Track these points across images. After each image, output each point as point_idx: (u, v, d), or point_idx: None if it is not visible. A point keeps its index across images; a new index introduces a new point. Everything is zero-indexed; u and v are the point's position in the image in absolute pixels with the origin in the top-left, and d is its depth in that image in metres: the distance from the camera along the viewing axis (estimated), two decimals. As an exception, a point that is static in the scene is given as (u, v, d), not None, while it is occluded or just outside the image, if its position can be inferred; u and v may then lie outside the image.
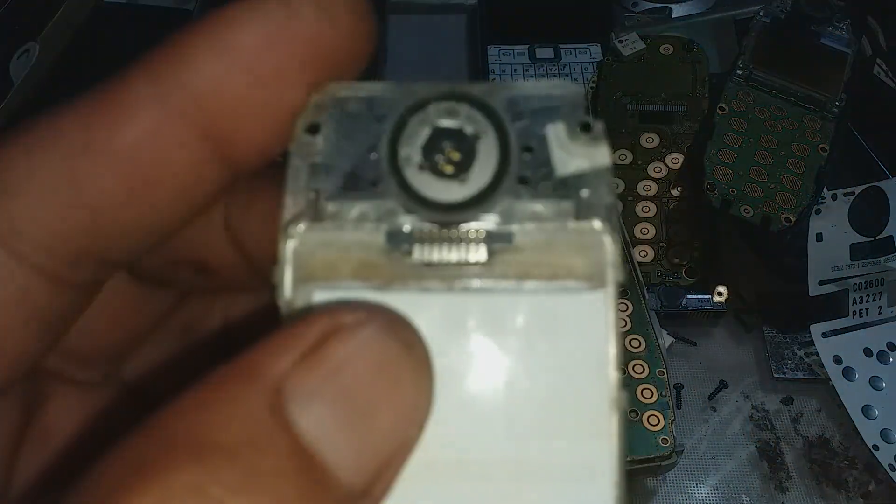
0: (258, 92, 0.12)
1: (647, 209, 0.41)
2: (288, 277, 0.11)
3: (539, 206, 0.11)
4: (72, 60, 0.47)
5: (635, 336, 0.35)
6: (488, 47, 0.49)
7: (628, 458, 0.32)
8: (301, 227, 0.11)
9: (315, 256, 0.11)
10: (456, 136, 0.11)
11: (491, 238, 0.11)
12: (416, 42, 0.52)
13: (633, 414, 0.33)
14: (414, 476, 0.11)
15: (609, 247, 0.11)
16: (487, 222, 0.11)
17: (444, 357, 0.11)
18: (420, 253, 0.11)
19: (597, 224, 0.11)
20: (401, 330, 0.11)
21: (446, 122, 0.11)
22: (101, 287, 0.13)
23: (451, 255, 0.11)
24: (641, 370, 0.34)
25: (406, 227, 0.11)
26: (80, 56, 0.48)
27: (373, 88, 0.12)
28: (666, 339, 0.35)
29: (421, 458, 0.11)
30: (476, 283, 0.11)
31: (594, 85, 0.45)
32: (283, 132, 0.12)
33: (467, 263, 0.11)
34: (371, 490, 0.10)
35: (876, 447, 0.35)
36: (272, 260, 0.12)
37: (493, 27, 0.50)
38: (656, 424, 0.33)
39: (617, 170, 0.42)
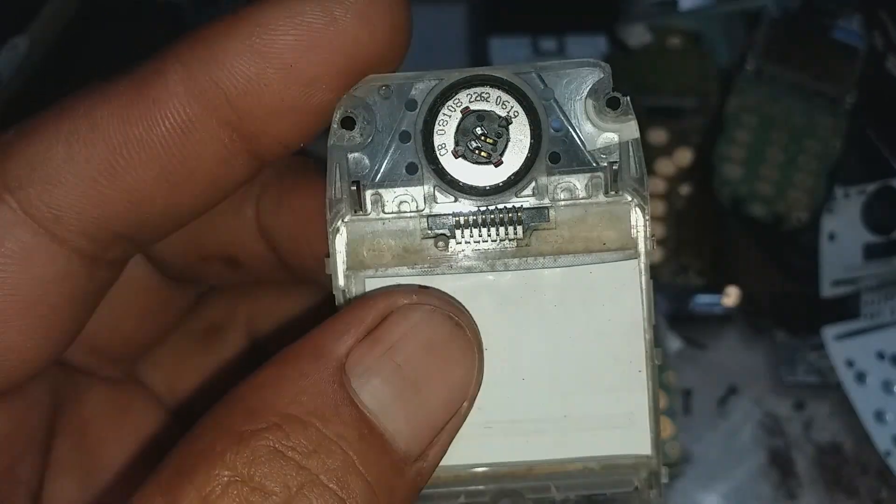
0: (292, 93, 0.12)
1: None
2: (341, 268, 0.12)
3: (571, 181, 0.12)
4: (61, 54, 0.46)
5: None
6: (490, 38, 0.48)
7: None
8: (346, 219, 0.12)
9: (363, 245, 0.12)
10: (488, 119, 0.12)
11: (527, 217, 0.12)
12: (415, 33, 0.51)
13: None
14: (471, 436, 0.12)
15: (640, 218, 0.12)
16: (523, 201, 0.12)
17: (492, 330, 0.12)
18: (461, 236, 0.12)
19: (627, 196, 0.12)
20: (451, 310, 0.11)
21: (477, 106, 0.12)
22: (126, 264, 0.14)
23: (490, 236, 0.12)
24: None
25: (445, 212, 0.12)
26: (69, 50, 0.47)
27: (402, 77, 0.12)
28: (674, 343, 0.34)
29: (477, 420, 0.12)
30: (515, 261, 0.12)
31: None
32: (311, 128, 0.13)
33: (507, 240, 0.11)
34: (426, 454, 0.11)
35: (888, 453, 0.35)
36: (311, 251, 0.13)
37: (494, 17, 0.49)
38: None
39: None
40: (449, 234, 0.12)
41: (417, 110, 0.12)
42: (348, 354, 0.12)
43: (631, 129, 0.12)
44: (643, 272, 0.12)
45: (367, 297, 0.12)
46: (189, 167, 0.12)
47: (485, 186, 0.12)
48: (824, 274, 0.37)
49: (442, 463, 0.12)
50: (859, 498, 0.35)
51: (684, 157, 0.41)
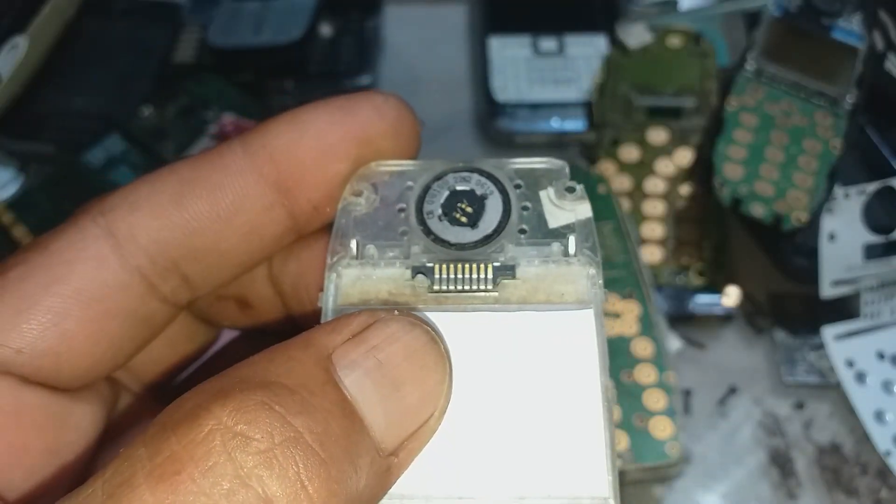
0: (320, 158, 0.15)
1: (654, 207, 0.40)
2: (330, 301, 0.14)
3: (535, 250, 0.14)
4: (61, 54, 0.46)
5: (643, 339, 0.34)
6: (490, 38, 0.47)
7: (635, 466, 0.31)
8: (343, 263, 0.14)
9: (353, 287, 0.14)
10: (469, 195, 0.15)
11: (497, 271, 0.14)
12: (414, 33, 0.51)
13: (639, 420, 0.32)
14: (427, 466, 0.13)
15: (592, 278, 0.14)
16: (495, 259, 0.14)
17: (459, 365, 0.13)
18: (439, 284, 0.14)
19: (581, 260, 0.14)
20: (427, 326, 0.13)
21: (461, 186, 0.15)
22: (177, 314, 0.16)
23: (465, 284, 0.14)
24: (649, 375, 0.33)
25: (428, 263, 0.14)
26: (69, 50, 0.47)
27: (403, 164, 0.15)
28: (674, 343, 0.34)
29: (434, 450, 0.13)
30: (485, 307, 0.13)
31: (600, 79, 0.44)
32: (333, 194, 0.15)
33: (478, 290, 0.14)
34: (397, 453, 0.12)
35: (888, 453, 0.35)
36: (310, 298, 0.15)
37: (494, 17, 0.49)
38: (665, 431, 0.32)
39: (624, 167, 0.41)
40: (430, 281, 0.14)
41: (412, 188, 0.15)
42: (336, 348, 0.13)
43: (585, 210, 0.14)
44: (596, 319, 0.13)
45: (353, 311, 0.13)
46: (236, 206, 0.15)
47: (463, 243, 0.14)
48: (824, 274, 0.37)
49: (396, 490, 0.13)
50: (859, 497, 0.35)
51: (684, 156, 0.41)
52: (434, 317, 0.13)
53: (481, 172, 0.15)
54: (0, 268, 0.15)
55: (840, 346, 0.37)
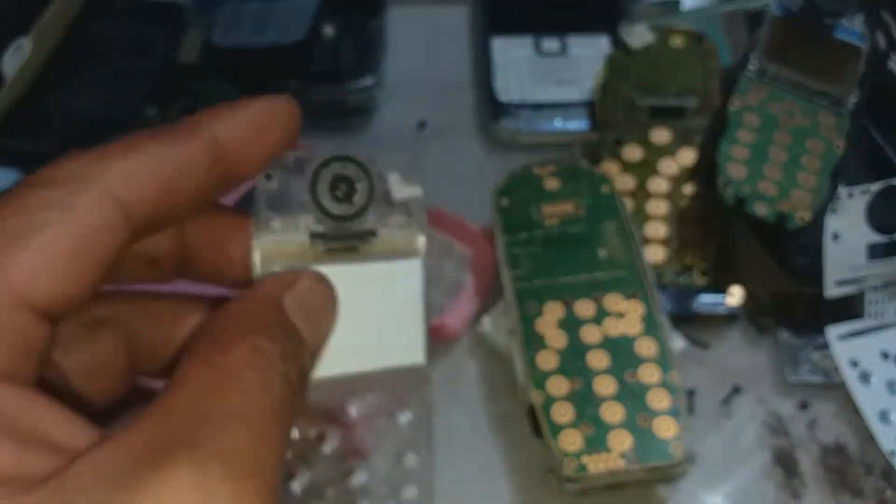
0: (252, 137, 0.20)
1: (658, 207, 0.40)
2: (258, 261, 0.20)
3: (390, 217, 0.20)
4: (64, 55, 0.46)
5: (646, 339, 0.34)
6: (492, 39, 0.47)
7: (639, 466, 0.31)
8: (261, 233, 0.20)
9: (270, 250, 0.20)
10: (346, 179, 0.20)
11: (365, 234, 0.20)
12: (417, 34, 0.51)
13: (643, 420, 0.32)
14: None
15: (420, 237, 0.20)
16: (363, 226, 0.20)
17: (340, 297, 0.20)
18: (325, 245, 0.20)
19: (414, 226, 0.20)
20: (326, 279, 0.20)
21: (340, 172, 0.20)
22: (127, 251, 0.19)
23: (343, 244, 0.20)
24: (652, 375, 0.33)
25: (320, 230, 0.20)
26: (73, 51, 0.47)
27: (300, 153, 0.20)
28: (678, 343, 0.34)
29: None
30: (355, 259, 0.20)
31: (602, 79, 0.44)
32: (259, 165, 0.20)
33: (353, 249, 0.20)
34: (315, 355, 0.19)
35: (893, 453, 0.35)
36: (226, 257, 0.21)
37: (497, 18, 0.49)
38: (668, 430, 0.31)
39: (627, 167, 0.41)
40: (321, 243, 0.20)
41: (307, 171, 0.20)
42: (282, 295, 0.19)
43: (416, 190, 0.20)
44: (422, 263, 0.20)
45: (280, 271, 0.20)
46: (185, 176, 0.19)
47: (342, 215, 0.20)
48: (828, 274, 0.37)
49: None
50: (864, 498, 0.35)
51: (688, 156, 0.41)
52: (326, 269, 0.20)
53: (354, 161, 0.20)
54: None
55: (844, 345, 0.36)
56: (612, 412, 0.31)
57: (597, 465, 0.30)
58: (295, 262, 0.20)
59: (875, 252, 0.37)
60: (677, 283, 0.38)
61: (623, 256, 0.35)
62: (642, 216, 0.40)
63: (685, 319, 0.38)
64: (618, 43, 0.45)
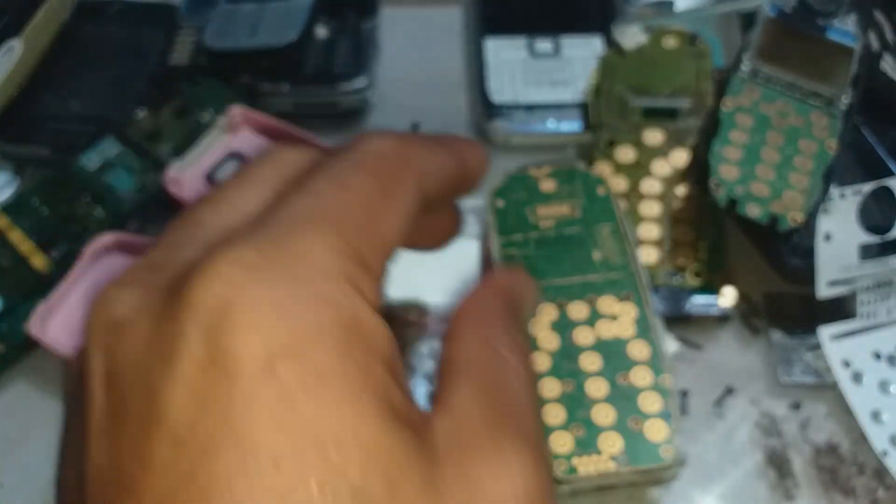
0: (458, 173, 0.24)
1: (651, 209, 0.40)
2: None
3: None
4: (55, 57, 0.46)
5: (639, 342, 0.34)
6: (485, 40, 0.47)
7: (629, 469, 0.31)
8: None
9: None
10: None
11: None
12: (410, 35, 0.51)
13: (634, 423, 0.31)
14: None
15: (479, 231, 0.31)
16: None
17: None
18: None
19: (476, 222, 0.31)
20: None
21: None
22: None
23: None
24: (645, 378, 0.33)
25: None
26: (63, 53, 0.47)
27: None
28: (671, 346, 0.34)
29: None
30: None
31: (595, 80, 0.44)
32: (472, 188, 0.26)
33: None
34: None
35: (885, 453, 0.35)
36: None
37: (490, 19, 0.49)
38: (660, 434, 0.31)
39: (620, 168, 0.41)
40: None
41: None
42: None
43: (478, 201, 0.28)
44: (478, 245, 0.28)
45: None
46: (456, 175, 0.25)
47: None
48: (820, 274, 0.37)
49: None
50: (856, 498, 0.35)
51: (680, 157, 0.41)
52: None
53: None
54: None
55: (836, 346, 0.37)
56: (604, 414, 0.31)
57: (587, 467, 0.30)
58: None
59: (867, 252, 0.37)
60: (670, 285, 0.38)
61: (618, 259, 0.35)
62: (636, 217, 0.40)
63: (678, 321, 0.38)
64: (611, 44, 0.45)
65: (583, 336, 0.33)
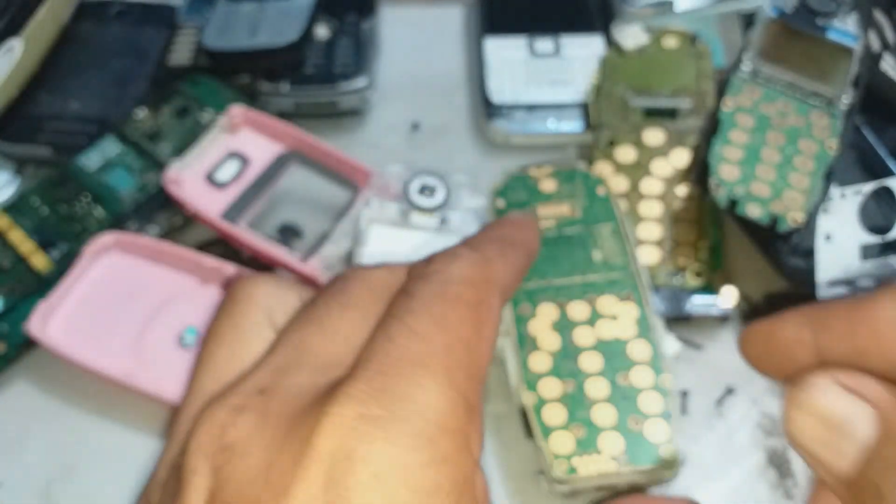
0: (529, 262, 0.27)
1: (651, 209, 0.40)
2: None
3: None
4: (56, 57, 0.46)
5: (640, 342, 0.34)
6: (486, 40, 0.47)
7: (630, 469, 0.31)
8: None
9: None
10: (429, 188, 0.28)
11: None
12: (410, 35, 0.51)
13: (635, 423, 0.31)
14: None
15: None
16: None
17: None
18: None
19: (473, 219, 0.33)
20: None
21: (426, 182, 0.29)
22: None
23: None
24: (645, 378, 0.33)
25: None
26: (64, 53, 0.47)
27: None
28: (673, 346, 0.34)
29: None
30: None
31: (596, 80, 0.44)
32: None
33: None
34: None
35: (885, 453, 0.35)
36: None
37: (491, 18, 0.49)
38: (659, 434, 0.31)
39: (620, 168, 0.41)
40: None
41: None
42: None
43: (482, 200, 0.31)
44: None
45: None
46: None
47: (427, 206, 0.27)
48: (821, 274, 0.37)
49: None
50: (857, 498, 0.35)
51: (681, 157, 0.41)
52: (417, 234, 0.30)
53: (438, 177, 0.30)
54: None
55: (837, 346, 0.36)
56: (604, 415, 0.31)
57: (587, 467, 0.30)
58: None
59: (867, 252, 0.37)
60: (671, 285, 0.38)
61: (618, 258, 0.35)
62: (636, 217, 0.40)
63: (678, 321, 0.38)
64: (611, 44, 0.45)
65: (583, 336, 0.33)
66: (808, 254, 0.37)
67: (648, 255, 0.39)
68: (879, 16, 0.44)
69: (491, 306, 0.21)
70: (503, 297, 0.22)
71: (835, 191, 0.37)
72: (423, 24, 0.51)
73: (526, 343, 0.33)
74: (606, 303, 0.34)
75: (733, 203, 0.36)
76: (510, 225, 0.26)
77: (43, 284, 0.38)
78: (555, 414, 0.31)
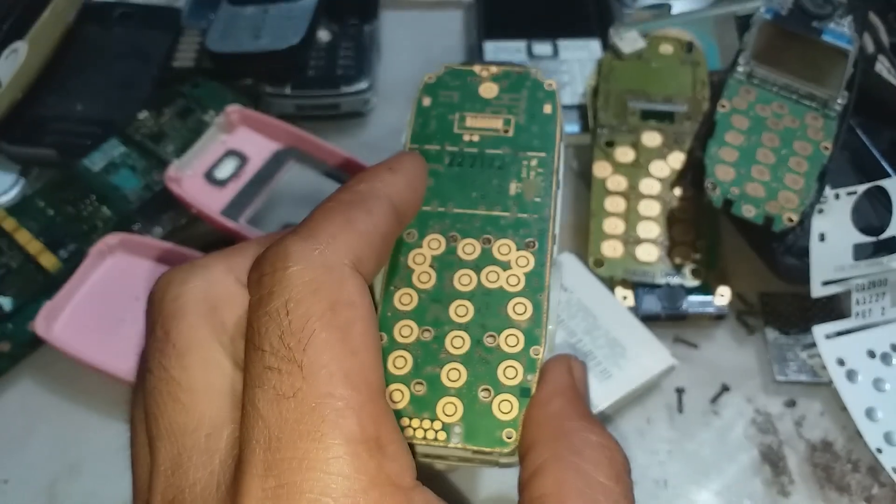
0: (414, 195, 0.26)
1: (650, 208, 0.40)
2: None
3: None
4: (60, 60, 0.47)
5: (522, 300, 0.25)
6: (486, 43, 0.48)
7: (461, 446, 0.24)
8: None
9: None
10: None
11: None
12: (411, 38, 0.51)
13: (485, 394, 0.24)
14: None
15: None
16: None
17: None
18: None
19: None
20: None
21: None
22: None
23: None
24: (515, 344, 0.25)
25: None
26: (68, 55, 0.47)
27: None
28: (667, 360, 0.34)
29: None
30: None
31: (594, 83, 0.44)
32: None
33: None
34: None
35: (879, 450, 0.35)
36: None
37: (490, 22, 0.49)
38: (508, 412, 0.24)
39: (619, 168, 0.41)
40: None
41: None
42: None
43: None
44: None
45: None
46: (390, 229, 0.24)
47: None
48: (815, 274, 0.37)
49: None
50: (850, 494, 0.35)
51: (677, 159, 0.41)
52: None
53: None
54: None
55: (831, 344, 0.37)
56: (454, 375, 0.25)
57: (415, 431, 0.24)
58: None
59: (861, 252, 0.37)
60: (667, 284, 0.39)
61: (536, 197, 0.28)
62: (635, 216, 0.40)
63: (674, 319, 0.39)
64: (609, 47, 0.45)
65: (463, 280, 0.26)
66: (803, 253, 0.37)
67: (648, 254, 0.39)
68: (874, 18, 0.45)
69: (348, 298, 0.20)
70: (367, 266, 0.21)
71: (829, 191, 0.38)
72: (424, 28, 0.52)
73: (398, 274, 0.27)
74: (503, 247, 0.27)
75: (729, 203, 0.37)
76: (372, 176, 0.24)
77: (52, 284, 0.38)
78: (399, 363, 0.25)
